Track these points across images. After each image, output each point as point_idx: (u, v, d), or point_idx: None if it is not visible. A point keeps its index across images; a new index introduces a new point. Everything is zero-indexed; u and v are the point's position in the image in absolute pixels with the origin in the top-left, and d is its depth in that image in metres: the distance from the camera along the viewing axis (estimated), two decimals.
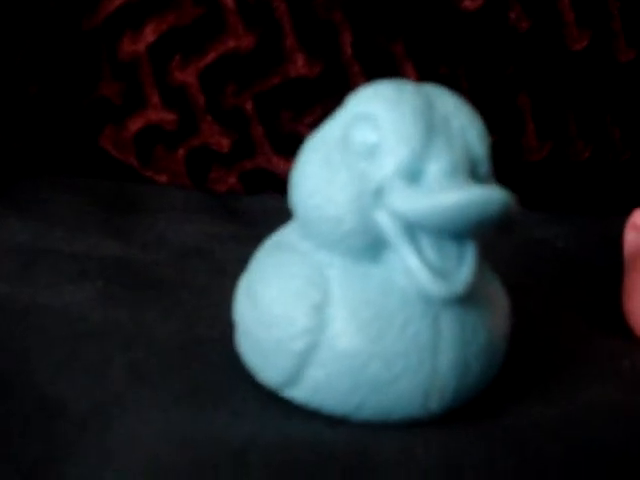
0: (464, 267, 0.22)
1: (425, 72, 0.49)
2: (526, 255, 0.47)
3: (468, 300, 0.23)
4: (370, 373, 0.22)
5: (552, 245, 0.49)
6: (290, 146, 0.49)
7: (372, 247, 0.23)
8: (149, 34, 0.51)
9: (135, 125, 0.53)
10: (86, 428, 0.23)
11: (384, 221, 0.22)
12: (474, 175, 0.22)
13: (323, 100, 0.50)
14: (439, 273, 0.22)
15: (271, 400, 0.24)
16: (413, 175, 0.22)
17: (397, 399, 0.23)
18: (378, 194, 0.22)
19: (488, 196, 0.20)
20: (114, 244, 0.39)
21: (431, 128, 0.22)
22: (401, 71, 0.49)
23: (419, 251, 0.22)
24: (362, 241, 0.23)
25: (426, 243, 0.22)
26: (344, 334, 0.22)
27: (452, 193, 0.20)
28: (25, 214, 0.42)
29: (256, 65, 0.50)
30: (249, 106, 0.51)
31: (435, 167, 0.21)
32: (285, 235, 0.26)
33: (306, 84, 0.50)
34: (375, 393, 0.22)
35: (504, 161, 0.52)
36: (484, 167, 0.22)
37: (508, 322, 0.25)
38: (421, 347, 0.22)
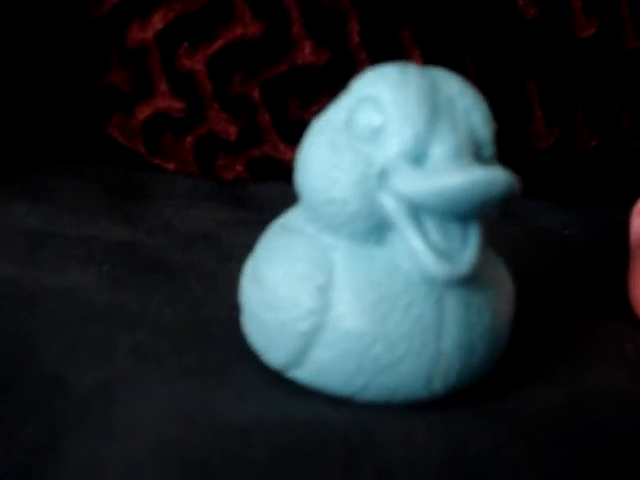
0: (468, 249, 0.22)
1: (432, 60, 0.49)
2: (532, 243, 0.47)
3: (472, 282, 0.23)
4: (374, 354, 0.22)
5: (558, 233, 0.49)
6: (297, 134, 0.49)
7: (377, 229, 0.23)
8: (157, 22, 0.51)
9: (143, 113, 0.53)
10: (90, 407, 0.23)
11: (389, 203, 0.22)
12: (478, 157, 0.22)
13: (330, 88, 0.50)
14: (443, 255, 0.22)
15: (276, 380, 0.25)
16: (417, 157, 0.22)
17: (401, 380, 0.23)
18: (383, 176, 0.22)
19: (492, 177, 0.20)
20: (121, 229, 0.39)
21: (435, 111, 0.22)
22: (408, 59, 0.49)
23: (423, 233, 0.22)
24: (367, 223, 0.23)
25: (430, 225, 0.22)
26: (348, 316, 0.22)
27: (456, 175, 0.21)
28: (34, 200, 0.43)
29: (263, 53, 0.50)
30: (256, 94, 0.51)
31: (439, 149, 0.21)
32: (291, 218, 0.26)
33: (313, 72, 0.50)
34: (379, 374, 0.23)
35: (511, 148, 0.52)
36: (488, 150, 0.22)
37: (512, 305, 0.25)
38: (425, 329, 0.22)
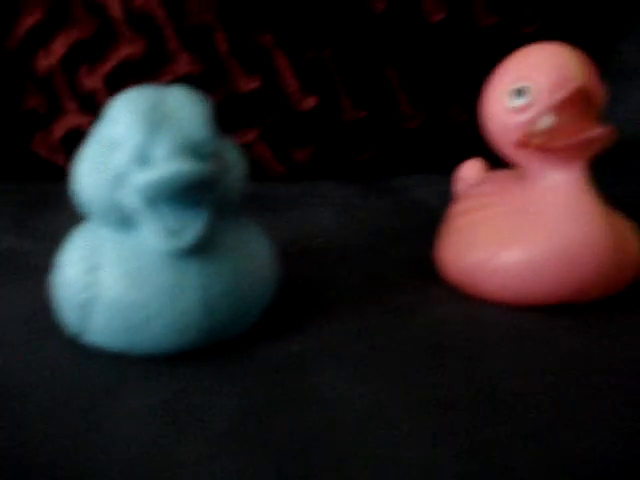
0: (193, 228, 0.28)
1: (294, 58, 0.55)
2: (397, 214, 0.52)
3: (211, 252, 0.29)
4: (132, 316, 0.28)
5: (427, 204, 0.54)
6: None
7: (125, 219, 0.29)
8: (59, 48, 0.57)
9: (60, 130, 0.59)
10: None
11: (126, 198, 0.28)
12: (198, 155, 0.28)
13: (209, 93, 0.55)
14: (172, 233, 0.28)
15: (72, 347, 0.31)
16: (143, 160, 0.28)
17: (157, 336, 0.29)
18: (119, 179, 0.28)
19: (176, 168, 0.26)
20: (12, 239, 0.46)
21: (157, 123, 0.28)
22: (273, 60, 0.55)
23: (159, 217, 0.28)
24: (114, 216, 0.29)
25: (166, 210, 0.28)
26: (110, 288, 0.29)
27: (153, 170, 0.27)
28: None
29: (149, 67, 0.56)
30: None
31: (159, 152, 0.27)
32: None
33: (192, 80, 0.56)
34: (139, 332, 0.29)
35: (383, 130, 0.57)
36: (207, 148, 0.28)
37: (267, 269, 0.31)
38: (169, 292, 0.28)
